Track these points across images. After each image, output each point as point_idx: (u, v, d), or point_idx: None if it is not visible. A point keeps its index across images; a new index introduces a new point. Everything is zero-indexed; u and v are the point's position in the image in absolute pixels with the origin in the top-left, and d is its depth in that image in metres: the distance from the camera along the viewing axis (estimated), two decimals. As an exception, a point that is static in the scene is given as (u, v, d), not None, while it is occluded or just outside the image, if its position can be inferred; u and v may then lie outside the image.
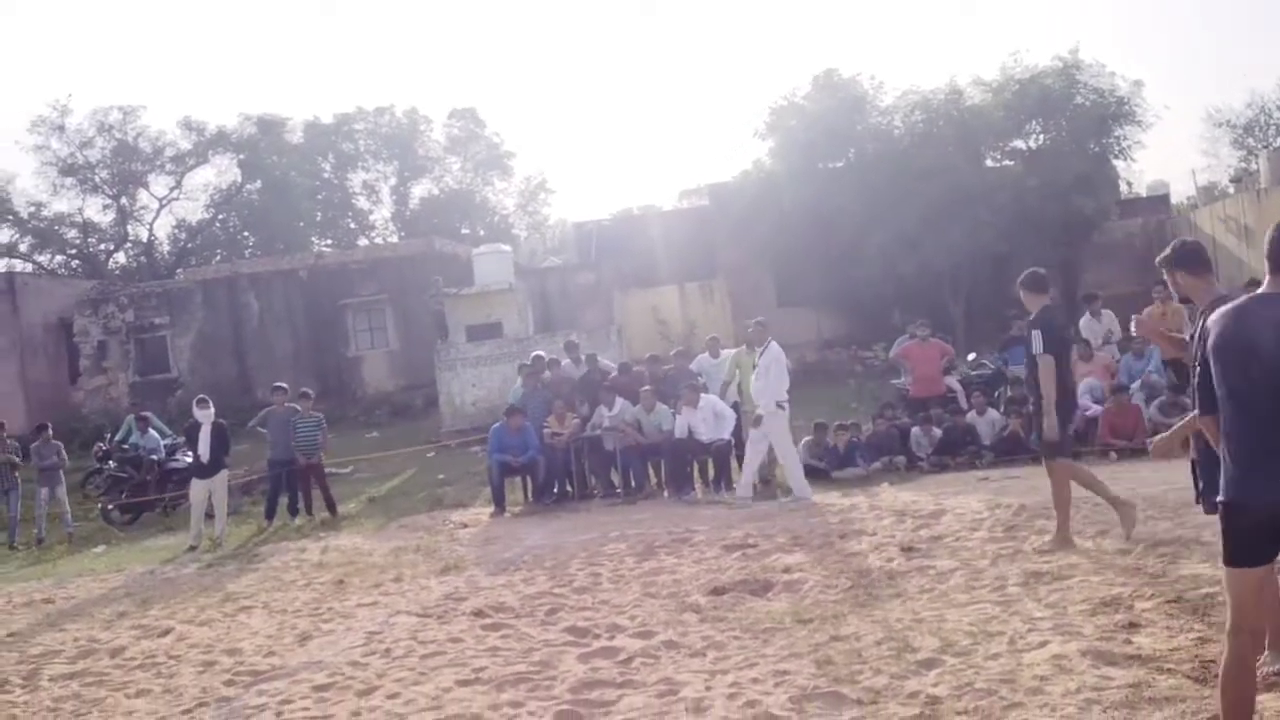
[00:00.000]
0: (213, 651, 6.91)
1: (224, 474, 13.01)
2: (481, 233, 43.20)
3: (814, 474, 12.19)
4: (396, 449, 19.94)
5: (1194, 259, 4.59)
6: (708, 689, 4.96)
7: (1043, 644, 5.09)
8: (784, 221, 23.45)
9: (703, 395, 12.06)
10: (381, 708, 5.20)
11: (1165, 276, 4.76)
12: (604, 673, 5.42)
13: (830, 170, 24.20)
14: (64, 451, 14.82)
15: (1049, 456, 7.42)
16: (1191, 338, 4.84)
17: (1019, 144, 25.38)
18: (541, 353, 14.93)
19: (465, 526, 11.76)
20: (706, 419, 11.95)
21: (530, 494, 12.82)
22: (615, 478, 12.82)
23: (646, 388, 12.62)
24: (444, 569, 9.11)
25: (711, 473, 12.26)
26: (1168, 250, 4.68)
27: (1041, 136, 25.18)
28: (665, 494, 12.24)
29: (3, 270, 34.85)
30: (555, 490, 12.72)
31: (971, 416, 12.77)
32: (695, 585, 7.31)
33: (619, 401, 12.61)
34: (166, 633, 7.65)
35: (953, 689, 4.59)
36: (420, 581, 8.71)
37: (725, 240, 25.56)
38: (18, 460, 14.51)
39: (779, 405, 11.01)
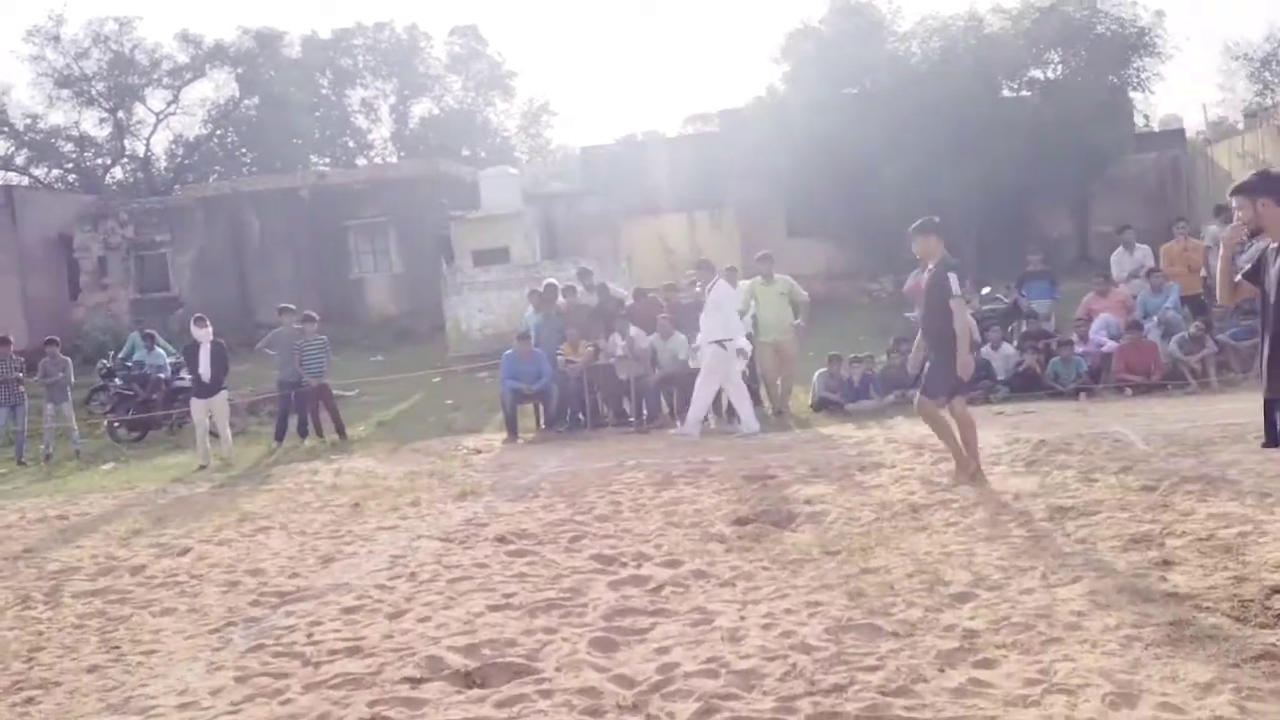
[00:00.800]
0: (235, 571, 6.93)
1: (224, 394, 12.94)
2: (483, 155, 42.71)
3: (828, 406, 12.21)
4: (402, 373, 19.92)
5: None
6: (741, 619, 4.98)
7: (1076, 579, 5.10)
8: (796, 150, 23.14)
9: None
10: (414, 630, 5.22)
11: (1237, 204, 4.66)
12: (635, 601, 5.44)
13: (845, 98, 23.82)
14: (71, 368, 14.77)
15: (932, 396, 7.66)
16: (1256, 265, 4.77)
17: (1037, 74, 24.99)
18: (554, 280, 14.84)
19: (478, 452, 11.79)
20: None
21: (543, 421, 12.83)
22: (628, 406, 12.81)
23: (663, 315, 12.56)
24: (461, 494, 9.13)
25: (725, 404, 12.25)
26: (1251, 177, 4.58)
27: (1060, 67, 24.79)
28: (678, 424, 12.25)
29: (0, 184, 34.45)
30: (568, 418, 12.72)
31: (986, 351, 12.73)
32: (718, 515, 7.33)
33: (633, 330, 12.55)
34: (186, 552, 7.68)
35: (989, 622, 4.60)
36: (438, 506, 8.74)
37: (735, 168, 25.24)
38: (23, 376, 14.48)
39: (720, 344, 11.18)
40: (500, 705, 4.14)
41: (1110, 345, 12.58)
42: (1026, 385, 12.17)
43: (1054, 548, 5.70)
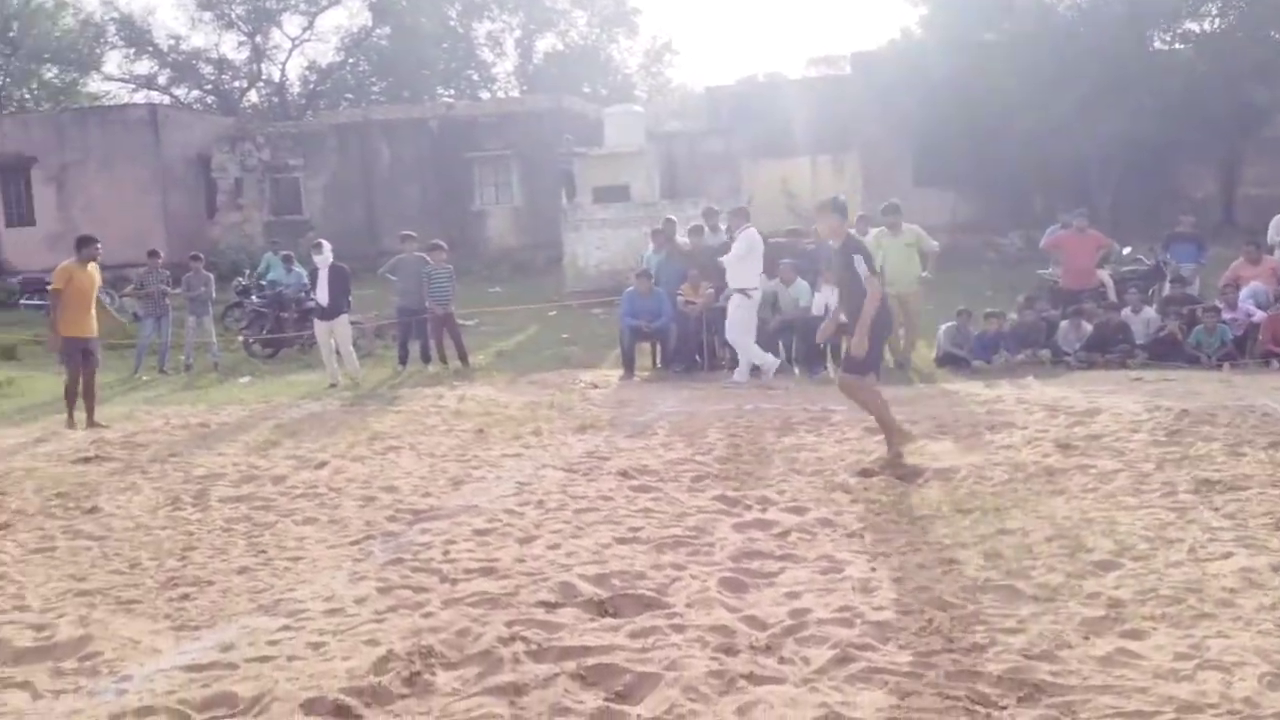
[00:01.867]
0: (370, 487, 7.15)
1: (344, 317, 13.06)
2: (604, 92, 42.57)
3: (953, 362, 11.93)
4: (519, 305, 20.16)
5: None
6: (872, 570, 4.93)
7: (1227, 555, 4.90)
8: (929, 96, 22.40)
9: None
10: (544, 556, 5.31)
11: None
12: (761, 544, 5.43)
13: (984, 44, 22.90)
14: (212, 283, 15.35)
15: (857, 374, 7.42)
16: None
17: (1192, 26, 23.64)
18: (672, 216, 14.76)
19: (595, 387, 11.88)
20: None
21: (659, 360, 12.85)
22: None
23: (786, 260, 12.38)
24: (581, 427, 9.23)
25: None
26: None
27: (1217, 20, 23.38)
28: (795, 370, 12.13)
29: (145, 102, 35.75)
30: (685, 359, 12.71)
31: (1126, 314, 12.24)
32: (841, 465, 7.25)
33: (757, 273, 12.40)
34: (323, 465, 7.94)
35: (1136, 593, 4.45)
36: (559, 437, 8.85)
37: (863, 112, 24.62)
38: (169, 289, 15.10)
39: (744, 293, 11.37)
40: (634, 635, 4.18)
41: (1259, 315, 11.95)
42: (1166, 352, 11.66)
43: (1201, 521, 5.47)
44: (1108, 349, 11.82)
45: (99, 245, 10.62)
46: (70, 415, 10.47)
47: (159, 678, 4.01)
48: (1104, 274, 13.59)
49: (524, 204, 27.80)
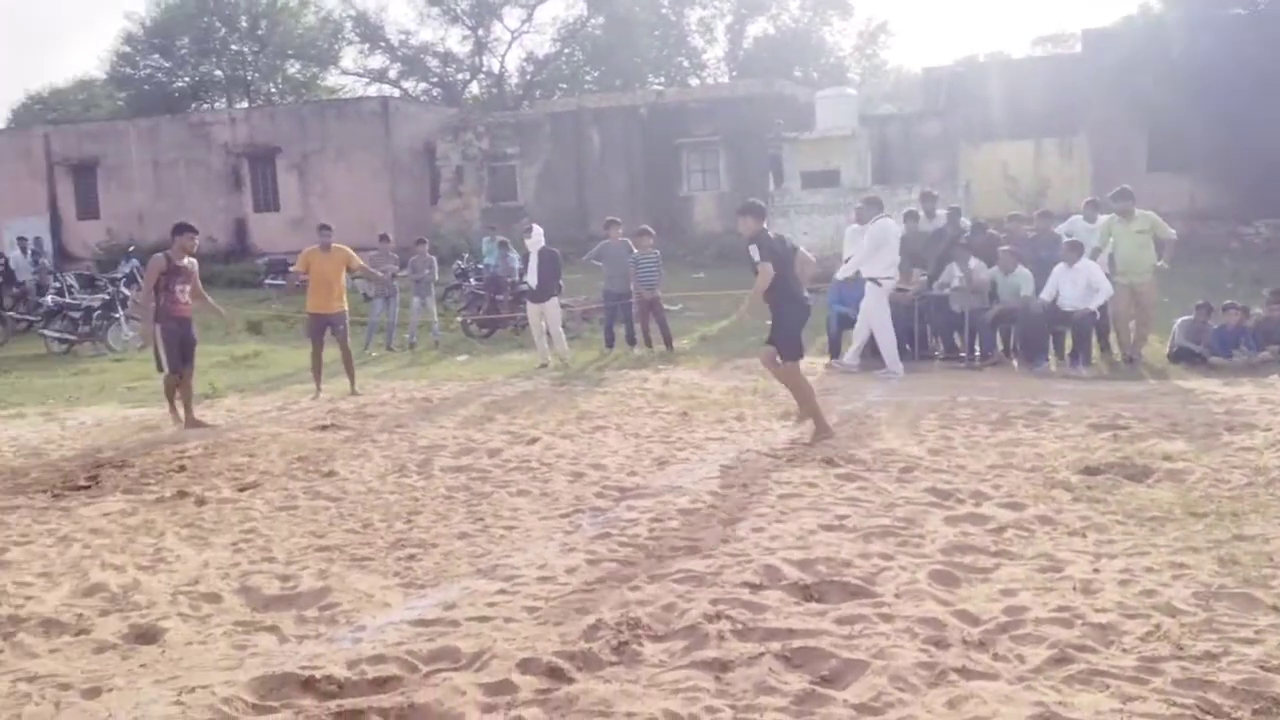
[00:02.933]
0: (579, 464, 7.39)
1: (554, 300, 13.41)
2: (815, 75, 42.04)
3: (1188, 358, 11.18)
4: (723, 290, 20.21)
5: None
6: (1095, 571, 4.71)
7: None
8: (1168, 74, 20.97)
9: (1083, 259, 11.24)
10: (748, 539, 5.35)
11: None
12: (975, 539, 5.28)
13: (1233, 18, 21.24)
14: (435, 266, 16.19)
15: (789, 358, 8.21)
16: None
17: None
18: (876, 194, 14.43)
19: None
20: (1078, 285, 11.15)
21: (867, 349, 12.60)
22: (959, 341, 12.34)
23: (1006, 248, 11.90)
24: (785, 413, 9.20)
25: (1069, 345, 11.51)
26: None
27: None
28: (1015, 363, 11.66)
29: (377, 95, 37.99)
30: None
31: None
32: (1062, 462, 6.93)
33: (973, 261, 11.99)
34: (534, 441, 8.27)
35: (1399, 615, 4.07)
36: (762, 423, 8.87)
37: (1094, 93, 23.30)
38: (398, 270, 16.03)
39: (874, 281, 11.30)
40: (840, 622, 4.16)
41: None
42: None
43: None
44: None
45: (331, 230, 11.59)
46: (319, 386, 11.41)
47: (389, 629, 4.31)
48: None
49: (731, 189, 27.83)
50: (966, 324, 12.06)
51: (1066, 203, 20.12)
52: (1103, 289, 11.14)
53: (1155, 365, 11.26)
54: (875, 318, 11.52)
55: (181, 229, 9.79)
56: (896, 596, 4.46)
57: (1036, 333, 11.42)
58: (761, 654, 3.85)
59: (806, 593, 4.55)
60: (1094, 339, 11.61)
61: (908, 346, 12.49)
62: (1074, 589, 4.48)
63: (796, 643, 3.94)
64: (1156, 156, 22.95)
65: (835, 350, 12.39)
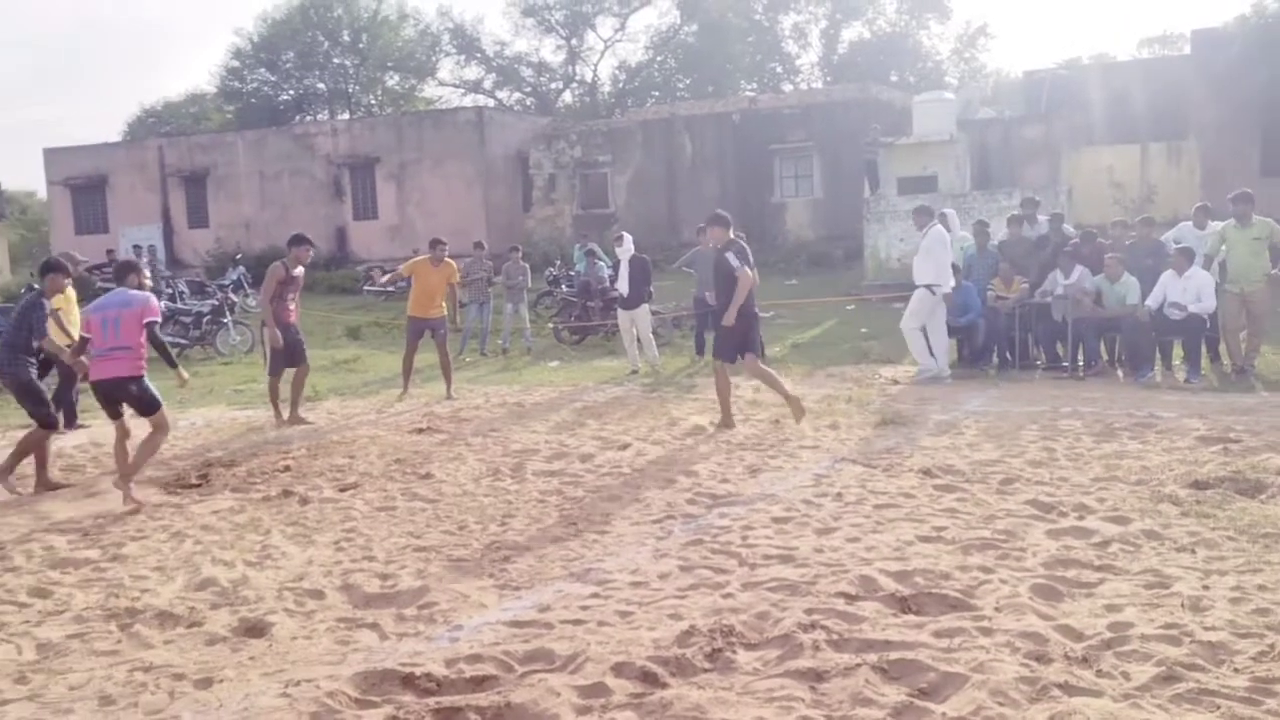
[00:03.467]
0: (670, 470, 7.42)
1: (644, 307, 13.48)
2: (912, 80, 41.47)
3: (1306, 369, 10.74)
4: (816, 298, 20.07)
5: None
6: (1205, 588, 4.56)
7: None
8: (1284, 75, 20.18)
9: (1194, 267, 10.89)
10: (843, 548, 5.31)
11: None
12: (1078, 553, 5.15)
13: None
14: (529, 273, 16.41)
15: (727, 359, 9.08)
16: None
17: None
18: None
19: (896, 383, 11.65)
20: (1187, 293, 10.79)
21: (965, 357, 12.41)
22: (1062, 350, 12.04)
23: (1112, 255, 11.58)
24: (880, 422, 9.10)
25: (1176, 355, 11.14)
26: None
27: None
28: (1119, 373, 11.34)
29: (472, 105, 38.68)
30: (994, 356, 12.20)
31: None
32: (1169, 475, 6.71)
33: (1077, 269, 11.69)
34: (625, 447, 8.32)
35: None
36: (857, 432, 8.77)
37: (1203, 95, 22.53)
38: (492, 277, 16.29)
39: (929, 289, 11.48)
40: (938, 635, 4.11)
41: None
42: None
43: None
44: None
45: (446, 245, 11.98)
46: (405, 386, 11.78)
47: (486, 630, 4.39)
48: None
49: (824, 196, 27.61)
50: (1070, 332, 11.76)
51: (1174, 209, 19.46)
52: (1205, 300, 10.79)
53: (1269, 378, 10.83)
54: (926, 320, 11.66)
55: (298, 241, 10.22)
56: (997, 610, 4.38)
57: (1143, 342, 11.08)
58: (858, 665, 3.82)
59: (904, 604, 4.50)
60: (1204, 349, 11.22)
61: (1008, 355, 12.26)
62: (1182, 606, 4.35)
63: (894, 655, 3.90)
64: (1270, 161, 22.05)
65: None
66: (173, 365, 7.43)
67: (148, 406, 7.28)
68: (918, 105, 24.00)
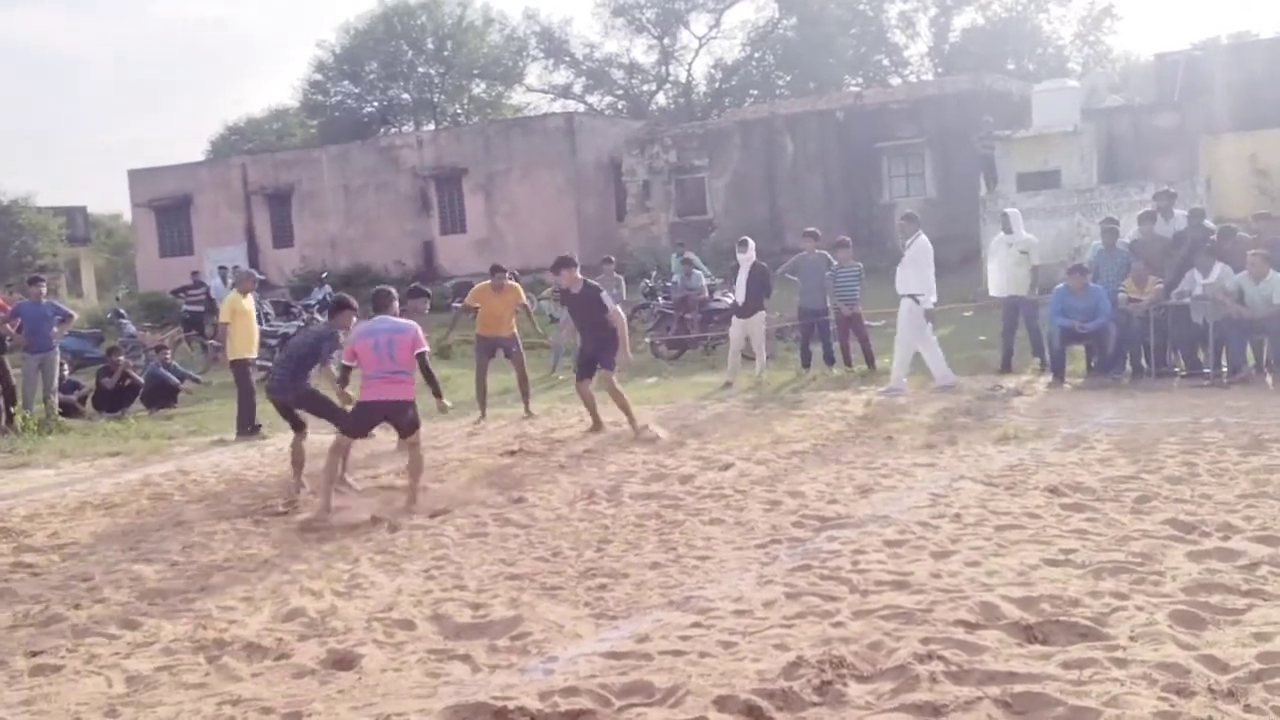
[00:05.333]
0: (775, 491, 7.40)
1: (761, 315, 13.64)
2: (1031, 67, 40.65)
3: None
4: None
5: None
6: (1370, 617, 4.36)
7: None
8: None
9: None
10: (962, 573, 5.23)
11: None
12: (1223, 576, 4.98)
13: None
14: (623, 285, 16.54)
15: (581, 377, 10.54)
16: None
17: None
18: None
19: (1018, 394, 11.42)
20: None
21: (1095, 365, 12.09)
22: (1202, 356, 11.65)
23: (1256, 252, 11.17)
24: (1001, 437, 8.94)
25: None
26: None
27: None
28: (1267, 379, 10.91)
29: (561, 111, 39.22)
30: (1127, 364, 11.86)
31: None
32: (1327, 491, 6.45)
33: (1217, 267, 11.31)
34: (728, 467, 8.32)
35: None
36: (976, 448, 8.63)
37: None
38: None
39: (914, 299, 11.89)
40: (1067, 666, 4.01)
41: None
42: None
43: None
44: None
45: (507, 273, 12.69)
46: (482, 409, 12.06)
47: (581, 661, 4.44)
48: None
49: (937, 195, 27.20)
50: (1211, 337, 11.37)
51: (1330, 198, 18.68)
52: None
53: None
54: (914, 334, 12.01)
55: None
56: (1132, 639, 4.26)
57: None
58: (979, 698, 3.76)
59: (1029, 633, 4.41)
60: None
61: (1143, 363, 11.92)
62: (1346, 637, 4.17)
63: (1018, 687, 3.82)
64: None
65: (1060, 368, 11.92)
66: (438, 395, 8.00)
67: (414, 427, 7.93)
68: (1037, 95, 23.52)
